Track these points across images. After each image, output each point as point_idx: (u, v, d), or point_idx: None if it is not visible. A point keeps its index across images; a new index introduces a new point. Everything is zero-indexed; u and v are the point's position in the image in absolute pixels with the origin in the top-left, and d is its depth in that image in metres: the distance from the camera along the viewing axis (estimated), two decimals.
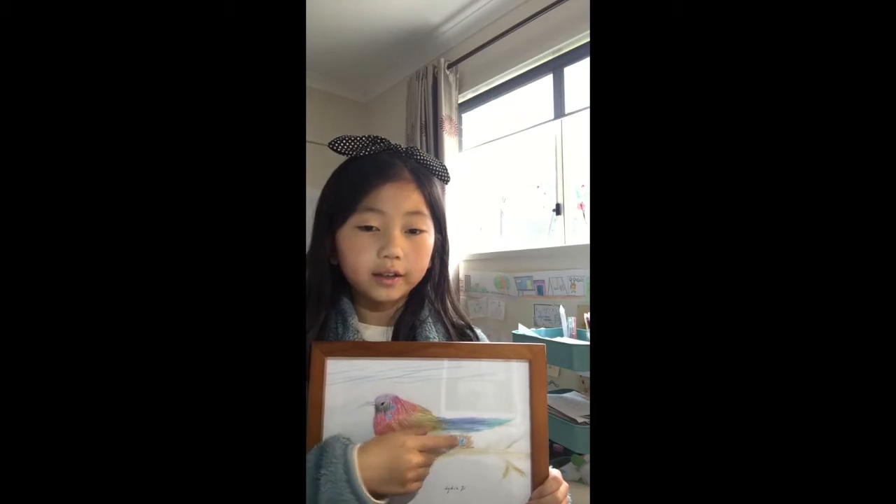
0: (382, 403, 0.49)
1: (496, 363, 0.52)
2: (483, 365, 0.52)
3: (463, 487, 0.49)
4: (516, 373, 0.52)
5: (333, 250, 0.58)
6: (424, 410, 0.50)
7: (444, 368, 0.51)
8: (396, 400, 0.50)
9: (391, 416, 0.49)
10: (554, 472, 0.51)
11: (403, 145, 0.61)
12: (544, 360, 0.52)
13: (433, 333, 0.59)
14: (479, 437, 0.50)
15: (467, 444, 0.50)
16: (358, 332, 0.57)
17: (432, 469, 0.49)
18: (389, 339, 0.59)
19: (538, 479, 0.50)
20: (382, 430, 0.49)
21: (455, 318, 0.63)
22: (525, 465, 0.50)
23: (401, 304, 0.62)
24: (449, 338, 0.61)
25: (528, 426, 0.51)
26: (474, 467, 0.50)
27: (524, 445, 0.51)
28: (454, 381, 0.51)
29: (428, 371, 0.51)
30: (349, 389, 0.50)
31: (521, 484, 0.50)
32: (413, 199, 0.57)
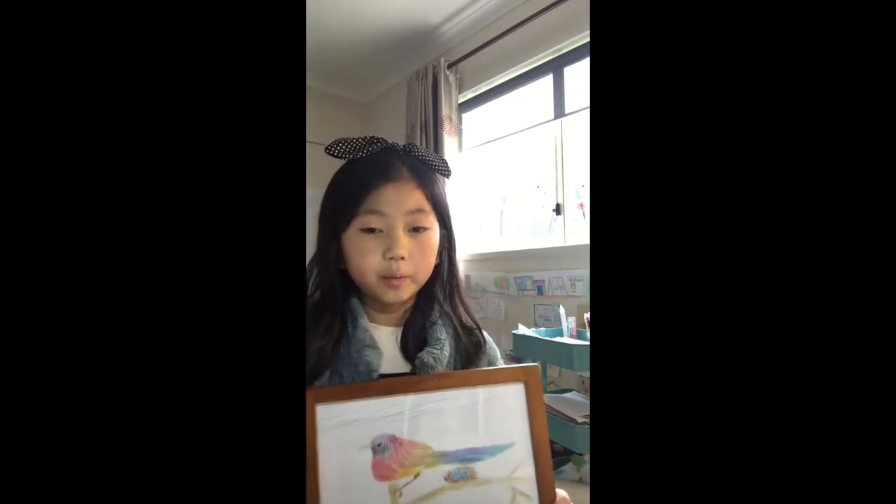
0: (380, 445, 0.48)
1: (491, 389, 0.51)
2: (478, 392, 0.51)
3: None
4: (512, 397, 0.51)
5: (340, 254, 0.58)
6: (424, 447, 0.49)
7: (439, 401, 0.50)
8: (393, 439, 0.48)
9: (390, 457, 0.48)
10: (561, 493, 0.51)
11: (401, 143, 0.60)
12: (540, 381, 0.52)
13: (444, 335, 0.59)
14: (482, 467, 0.49)
15: (471, 476, 0.49)
16: (367, 331, 0.56)
17: None
18: (399, 339, 0.59)
19: (545, 502, 0.49)
20: (382, 473, 0.48)
21: (465, 319, 0.63)
22: (531, 489, 0.50)
23: (410, 303, 0.61)
24: (458, 338, 0.60)
25: (529, 450, 0.50)
26: (480, 498, 0.49)
27: (528, 470, 0.50)
28: (451, 413, 0.50)
29: (423, 405, 0.50)
30: (343, 434, 0.48)
31: None
32: (414, 197, 0.56)
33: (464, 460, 0.49)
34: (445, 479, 0.49)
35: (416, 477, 0.48)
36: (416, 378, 0.54)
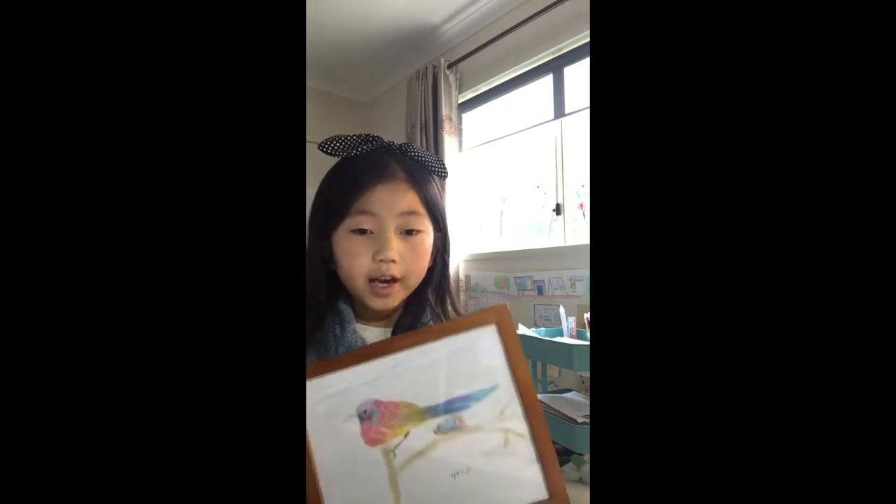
0: (365, 411, 0.48)
1: (464, 335, 0.51)
2: (452, 341, 0.51)
3: (468, 469, 0.48)
4: (487, 339, 0.51)
5: (331, 255, 0.57)
6: (408, 405, 0.49)
7: (416, 357, 0.50)
8: (378, 403, 0.49)
9: (377, 422, 0.48)
10: None
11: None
12: (510, 319, 0.52)
13: None
14: (470, 414, 0.49)
15: (460, 425, 0.49)
16: (356, 332, 0.56)
17: (436, 459, 0.48)
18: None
19: (539, 436, 0.49)
20: (373, 438, 0.48)
21: (453, 316, 0.62)
22: (522, 427, 0.50)
23: (400, 305, 0.60)
24: None
25: (513, 388, 0.50)
26: (474, 445, 0.49)
27: (516, 408, 0.50)
28: (430, 367, 0.50)
29: (401, 365, 0.50)
30: (329, 407, 0.49)
31: (523, 446, 0.49)
32: (408, 199, 0.55)
33: (450, 411, 0.49)
34: (435, 433, 0.49)
35: (406, 436, 0.48)
36: (388, 340, 0.54)
